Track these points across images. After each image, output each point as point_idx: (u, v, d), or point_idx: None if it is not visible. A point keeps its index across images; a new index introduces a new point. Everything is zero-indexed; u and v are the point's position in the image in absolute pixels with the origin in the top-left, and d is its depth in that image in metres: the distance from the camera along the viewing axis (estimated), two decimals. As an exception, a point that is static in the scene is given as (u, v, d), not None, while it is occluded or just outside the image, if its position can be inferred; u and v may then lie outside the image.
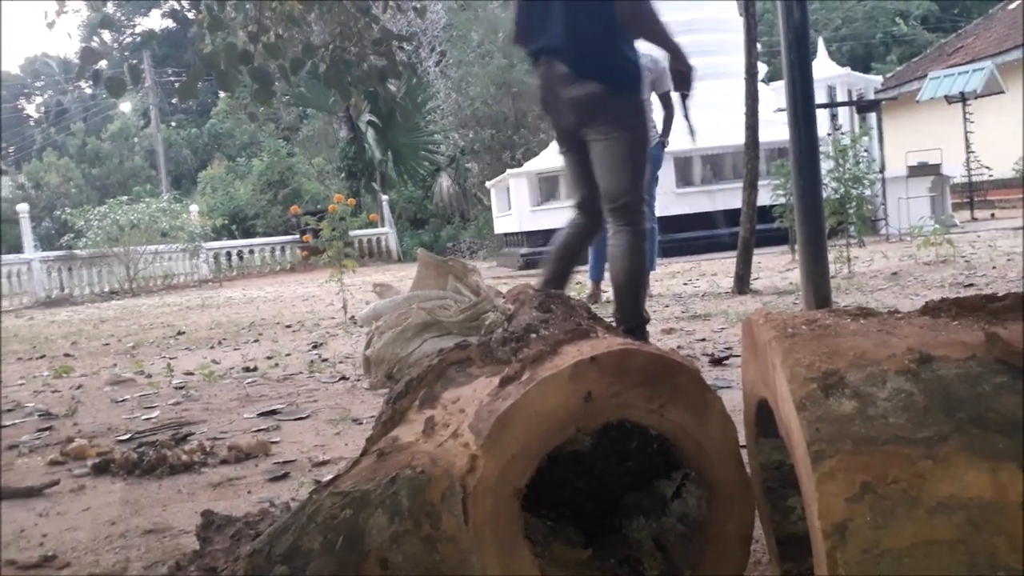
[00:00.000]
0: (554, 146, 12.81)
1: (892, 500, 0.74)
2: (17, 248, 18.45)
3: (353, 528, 0.98)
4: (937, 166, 12.03)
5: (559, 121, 3.26)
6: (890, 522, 0.73)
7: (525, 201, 12.16)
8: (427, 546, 0.96)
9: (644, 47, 6.35)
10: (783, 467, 1.07)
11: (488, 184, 15.23)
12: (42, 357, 5.70)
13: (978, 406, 0.76)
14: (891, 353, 0.81)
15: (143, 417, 3.12)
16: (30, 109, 49.85)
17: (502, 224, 13.77)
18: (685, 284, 6.93)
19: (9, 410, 3.53)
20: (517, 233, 12.57)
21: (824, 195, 3.43)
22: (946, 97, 15.52)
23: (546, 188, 12.28)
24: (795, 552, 1.05)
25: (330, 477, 1.07)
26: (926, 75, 17.21)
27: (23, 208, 16.71)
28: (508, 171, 13.40)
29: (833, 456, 0.75)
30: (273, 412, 3.00)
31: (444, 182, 22.36)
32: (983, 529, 0.73)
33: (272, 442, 2.52)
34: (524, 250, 12.11)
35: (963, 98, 15.10)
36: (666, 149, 6.47)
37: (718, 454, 1.04)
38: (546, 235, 11.80)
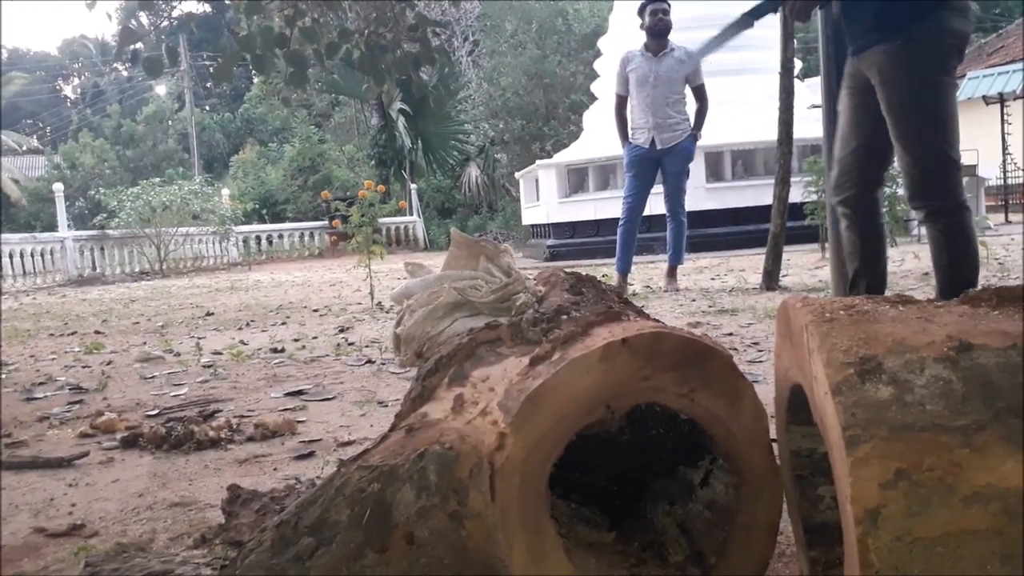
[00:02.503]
0: (585, 137, 12.70)
1: (927, 488, 0.73)
2: (51, 227, 18.75)
3: (380, 502, 0.98)
4: (972, 167, 11.85)
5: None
6: (924, 510, 0.72)
7: (553, 193, 12.14)
8: (453, 522, 0.97)
9: (679, 39, 6.31)
10: (814, 455, 1.06)
11: (517, 175, 15.23)
12: (73, 333, 5.78)
13: (1017, 396, 0.75)
14: (930, 340, 0.80)
15: (171, 394, 3.16)
16: (67, 90, 50.54)
17: (530, 215, 13.77)
18: (713, 279, 6.89)
19: (41, 383, 3.59)
20: (545, 224, 12.56)
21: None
22: (984, 97, 15.31)
23: (575, 180, 12.25)
24: (822, 541, 1.04)
25: (359, 452, 1.08)
26: (964, 75, 16.96)
27: (58, 187, 16.97)
28: (537, 162, 13.39)
29: (868, 441, 0.74)
30: (299, 392, 3.02)
31: (473, 172, 22.38)
32: (1019, 520, 0.72)
33: (298, 421, 2.54)
34: (551, 241, 12.10)
35: (1001, 99, 14.89)
36: (697, 143, 6.43)
37: (748, 441, 1.03)
38: (573, 227, 11.86)
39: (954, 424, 0.74)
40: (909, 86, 2.66)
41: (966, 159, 12.34)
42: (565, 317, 1.12)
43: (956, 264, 2.73)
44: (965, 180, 11.88)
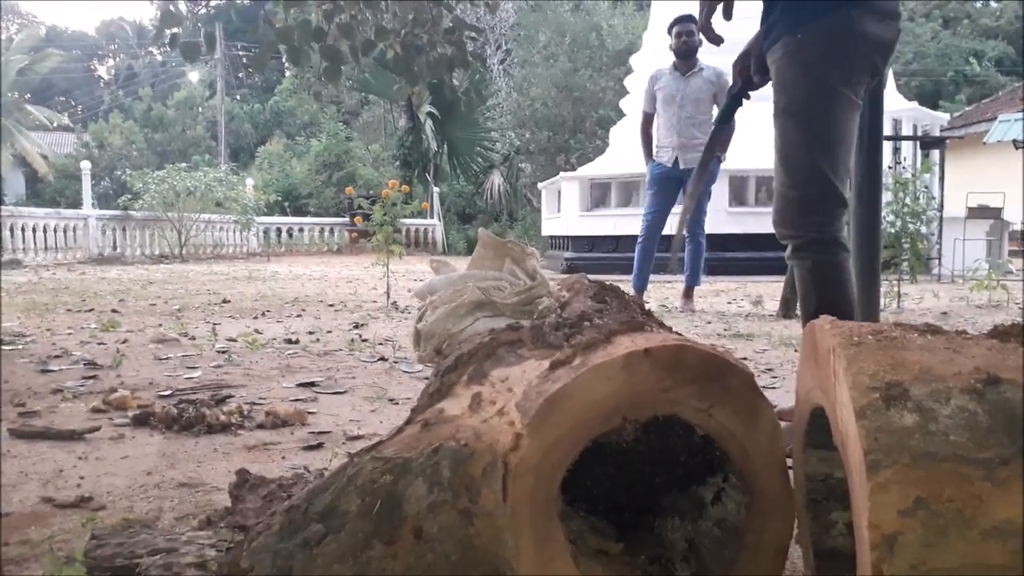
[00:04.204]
0: (610, 153, 12.64)
1: (945, 518, 0.72)
2: (76, 204, 18.92)
3: (392, 494, 0.98)
4: (998, 210, 11.77)
5: None
6: (941, 540, 0.72)
7: (575, 205, 12.14)
8: (464, 519, 0.97)
9: (710, 60, 6.30)
10: (829, 480, 1.05)
11: (540, 185, 15.23)
12: (91, 310, 5.82)
13: (1043, 433, 0.75)
14: (957, 371, 0.79)
15: (185, 376, 3.17)
16: (102, 71, 51.03)
17: (550, 226, 13.77)
18: (729, 303, 6.87)
19: (56, 356, 3.61)
20: (564, 237, 12.56)
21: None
22: (1014, 141, 15.20)
23: (597, 195, 12.24)
24: (832, 567, 1.04)
25: (373, 443, 1.08)
26: (996, 117, 16.87)
27: (86, 165, 17.13)
28: (561, 174, 13.40)
29: (890, 467, 0.73)
30: (311, 384, 3.03)
31: (496, 179, 22.45)
32: (1036, 558, 0.71)
33: (309, 412, 2.55)
34: (569, 254, 12.09)
35: (1032, 144, 14.77)
36: (722, 166, 6.43)
37: (763, 461, 1.03)
38: (592, 241, 11.85)
39: (977, 456, 0.74)
40: (799, 90, 2.24)
41: (993, 201, 12.14)
42: (588, 324, 1.12)
43: (824, 313, 2.10)
44: (989, 223, 11.74)
